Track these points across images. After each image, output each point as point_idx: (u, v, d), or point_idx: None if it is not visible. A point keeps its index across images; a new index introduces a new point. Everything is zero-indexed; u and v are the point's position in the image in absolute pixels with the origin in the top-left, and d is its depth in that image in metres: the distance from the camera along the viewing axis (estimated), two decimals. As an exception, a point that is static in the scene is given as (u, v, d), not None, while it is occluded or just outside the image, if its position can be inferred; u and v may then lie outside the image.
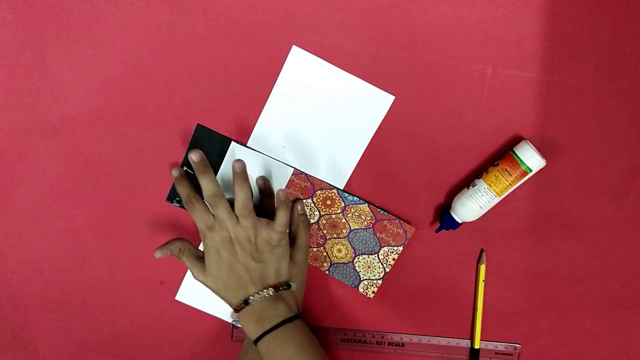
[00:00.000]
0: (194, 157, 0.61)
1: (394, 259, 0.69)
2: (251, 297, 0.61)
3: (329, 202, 0.67)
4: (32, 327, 0.75)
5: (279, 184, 0.66)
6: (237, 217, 0.61)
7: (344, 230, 0.68)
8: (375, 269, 0.69)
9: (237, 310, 0.62)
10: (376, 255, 0.69)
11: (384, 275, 0.70)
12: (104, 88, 0.64)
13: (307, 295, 0.72)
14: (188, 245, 0.64)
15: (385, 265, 0.69)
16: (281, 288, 0.62)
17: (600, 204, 0.66)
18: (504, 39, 0.60)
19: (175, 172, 0.63)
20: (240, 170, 0.60)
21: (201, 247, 0.68)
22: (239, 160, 0.60)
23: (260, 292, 0.61)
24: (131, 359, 0.76)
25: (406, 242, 0.68)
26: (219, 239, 0.61)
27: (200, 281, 0.64)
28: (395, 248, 0.68)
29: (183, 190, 0.62)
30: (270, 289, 0.61)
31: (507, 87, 0.62)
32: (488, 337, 0.72)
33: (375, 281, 0.70)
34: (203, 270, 0.63)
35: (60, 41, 0.62)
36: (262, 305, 0.61)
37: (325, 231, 0.68)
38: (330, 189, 0.67)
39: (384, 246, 0.68)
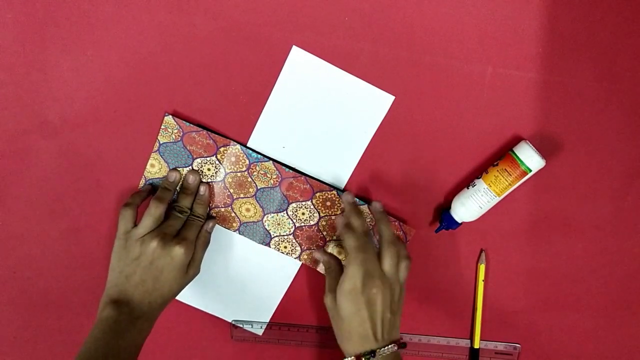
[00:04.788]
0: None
1: None
2: (378, 351, 0.57)
3: (328, 203, 0.67)
4: (32, 327, 0.75)
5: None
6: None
7: (344, 231, 0.68)
8: None
9: (359, 357, 0.57)
10: None
11: None
12: (104, 88, 0.64)
13: (307, 295, 0.72)
14: (337, 267, 0.63)
15: None
16: (401, 346, 0.59)
17: (600, 204, 0.66)
18: (504, 39, 0.60)
19: (342, 220, 0.63)
20: (382, 209, 0.64)
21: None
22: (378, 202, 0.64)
23: (387, 347, 0.57)
24: (131, 359, 0.76)
25: (406, 244, 0.68)
26: (378, 287, 0.58)
27: (328, 306, 0.61)
28: None
29: (355, 239, 0.60)
30: (394, 345, 0.58)
31: (507, 87, 0.62)
32: (488, 337, 0.72)
33: None
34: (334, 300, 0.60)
35: (60, 41, 0.62)
36: (385, 358, 0.57)
37: (324, 233, 0.68)
38: (330, 191, 0.67)
39: None
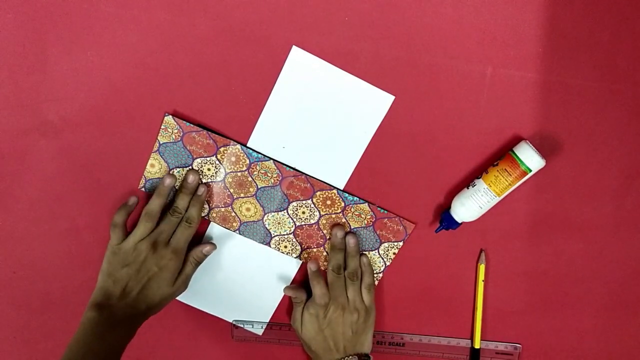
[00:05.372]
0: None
1: (394, 254, 0.69)
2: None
3: (329, 202, 0.67)
4: (32, 327, 0.75)
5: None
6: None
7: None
8: (375, 263, 0.69)
9: None
10: (376, 251, 0.69)
11: (384, 269, 0.70)
12: (104, 88, 0.64)
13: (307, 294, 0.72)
14: (304, 299, 0.69)
15: (385, 260, 0.69)
16: (363, 358, 0.67)
17: (600, 204, 0.66)
18: (504, 39, 0.60)
19: (313, 266, 0.68)
20: (355, 244, 0.68)
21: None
22: (354, 234, 0.68)
23: (347, 357, 0.66)
24: (131, 359, 0.76)
25: (406, 238, 0.68)
26: (339, 311, 0.67)
27: (296, 329, 0.69)
28: (396, 243, 0.68)
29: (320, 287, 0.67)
30: (355, 356, 0.66)
31: (507, 87, 0.62)
32: (488, 337, 0.72)
33: (376, 275, 0.70)
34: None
35: (60, 41, 0.62)
36: None
37: (325, 231, 0.69)
38: (330, 190, 0.67)
39: (384, 242, 0.68)
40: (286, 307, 0.73)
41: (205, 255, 0.68)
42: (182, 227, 0.65)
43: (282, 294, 0.72)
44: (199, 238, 0.70)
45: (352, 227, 0.68)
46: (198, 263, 0.68)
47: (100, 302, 0.63)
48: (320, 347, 0.67)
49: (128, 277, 0.64)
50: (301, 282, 0.71)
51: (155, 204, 0.65)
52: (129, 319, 0.63)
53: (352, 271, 0.67)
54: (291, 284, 0.72)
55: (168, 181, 0.65)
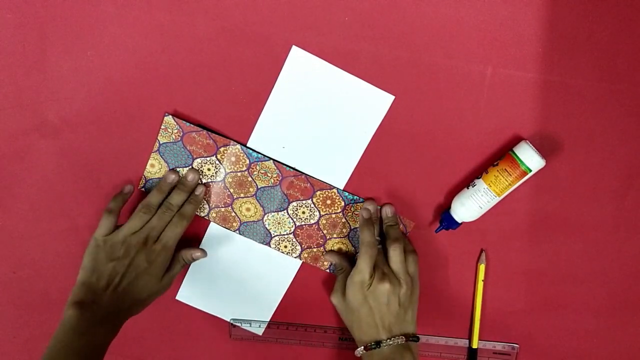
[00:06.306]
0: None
1: None
2: (384, 342, 0.61)
3: (329, 201, 0.67)
4: (32, 327, 0.75)
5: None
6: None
7: (344, 230, 0.69)
8: None
9: (366, 348, 0.61)
10: None
11: None
12: (104, 88, 0.64)
13: (307, 294, 0.72)
14: (348, 267, 0.66)
15: None
16: (410, 339, 0.62)
17: (600, 204, 0.66)
18: (504, 39, 0.60)
19: (366, 214, 0.65)
20: (393, 214, 0.66)
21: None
22: (390, 205, 0.66)
23: (393, 339, 0.61)
24: (131, 359, 0.76)
25: (406, 235, 0.68)
26: (385, 281, 0.61)
27: (335, 304, 0.66)
28: None
29: (370, 235, 0.63)
30: (402, 337, 0.61)
31: (507, 87, 0.61)
32: (486, 337, 0.72)
33: None
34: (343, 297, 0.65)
35: (60, 41, 0.62)
36: (393, 350, 0.60)
37: (325, 231, 0.69)
38: (330, 189, 0.67)
39: None
40: (286, 307, 0.73)
41: (194, 260, 0.68)
42: (173, 224, 0.64)
43: (282, 293, 0.72)
44: (199, 239, 0.70)
45: (352, 227, 0.68)
46: (185, 265, 0.68)
47: (82, 299, 0.60)
48: (363, 321, 0.62)
49: (115, 272, 0.62)
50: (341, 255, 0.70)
51: (155, 197, 0.65)
52: (112, 316, 0.61)
53: (395, 238, 0.63)
54: (292, 282, 0.72)
55: (171, 177, 0.65)
